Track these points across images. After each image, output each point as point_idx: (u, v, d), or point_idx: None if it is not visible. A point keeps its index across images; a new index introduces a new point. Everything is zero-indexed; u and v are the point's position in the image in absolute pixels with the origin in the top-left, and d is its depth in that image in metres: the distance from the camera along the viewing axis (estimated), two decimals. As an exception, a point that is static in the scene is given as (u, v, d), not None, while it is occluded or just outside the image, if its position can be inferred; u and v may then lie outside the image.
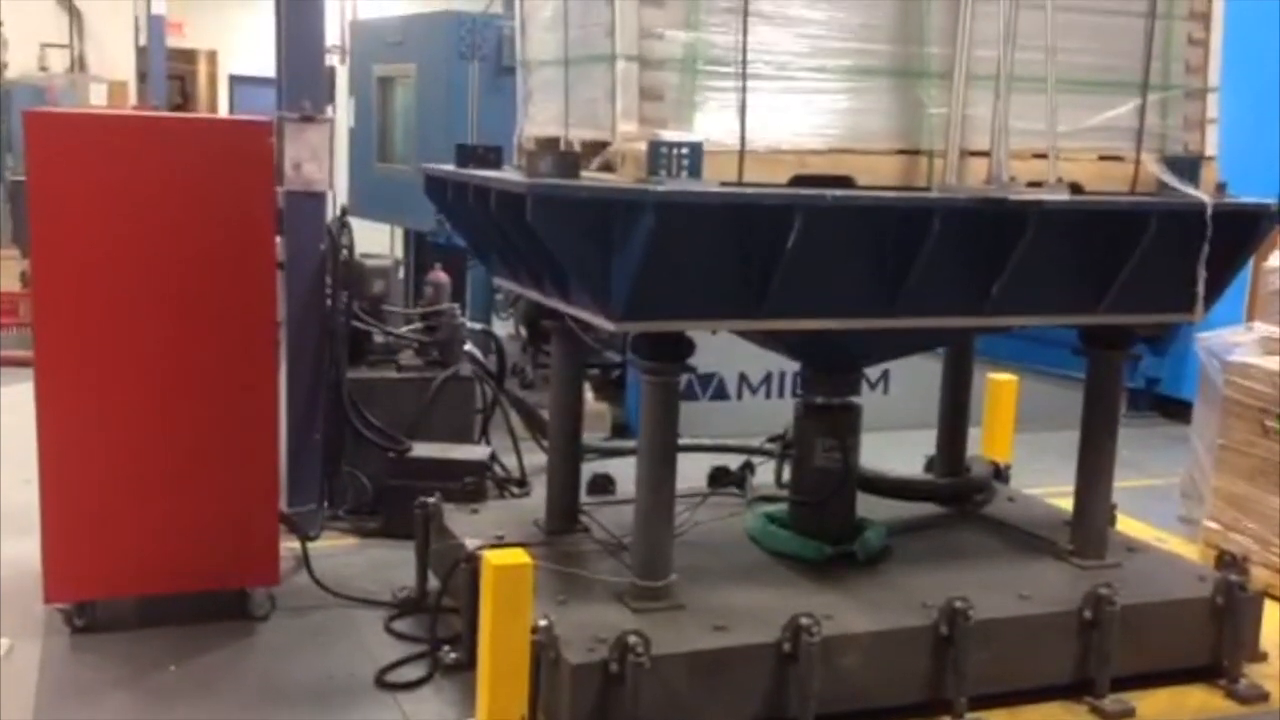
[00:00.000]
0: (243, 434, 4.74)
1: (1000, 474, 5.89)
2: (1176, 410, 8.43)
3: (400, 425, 6.05)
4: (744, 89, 3.93)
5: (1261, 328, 5.93)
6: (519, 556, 3.74)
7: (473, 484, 5.69)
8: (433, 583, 4.88)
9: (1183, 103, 4.53)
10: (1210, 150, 4.57)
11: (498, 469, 6.40)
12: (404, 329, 6.71)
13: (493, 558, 3.72)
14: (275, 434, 4.91)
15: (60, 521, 4.58)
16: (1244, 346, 5.88)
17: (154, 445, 4.64)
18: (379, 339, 6.50)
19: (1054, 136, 4.18)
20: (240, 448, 4.74)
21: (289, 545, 5.18)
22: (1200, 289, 4.38)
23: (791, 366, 5.83)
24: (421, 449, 6.01)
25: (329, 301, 5.77)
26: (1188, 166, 4.44)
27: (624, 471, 4.99)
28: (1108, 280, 4.41)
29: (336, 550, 5.67)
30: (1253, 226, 4.58)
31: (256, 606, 4.89)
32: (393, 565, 5.40)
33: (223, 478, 4.72)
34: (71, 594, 4.69)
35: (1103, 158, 4.45)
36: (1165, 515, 6.30)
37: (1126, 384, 7.04)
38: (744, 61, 3.92)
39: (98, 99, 13.90)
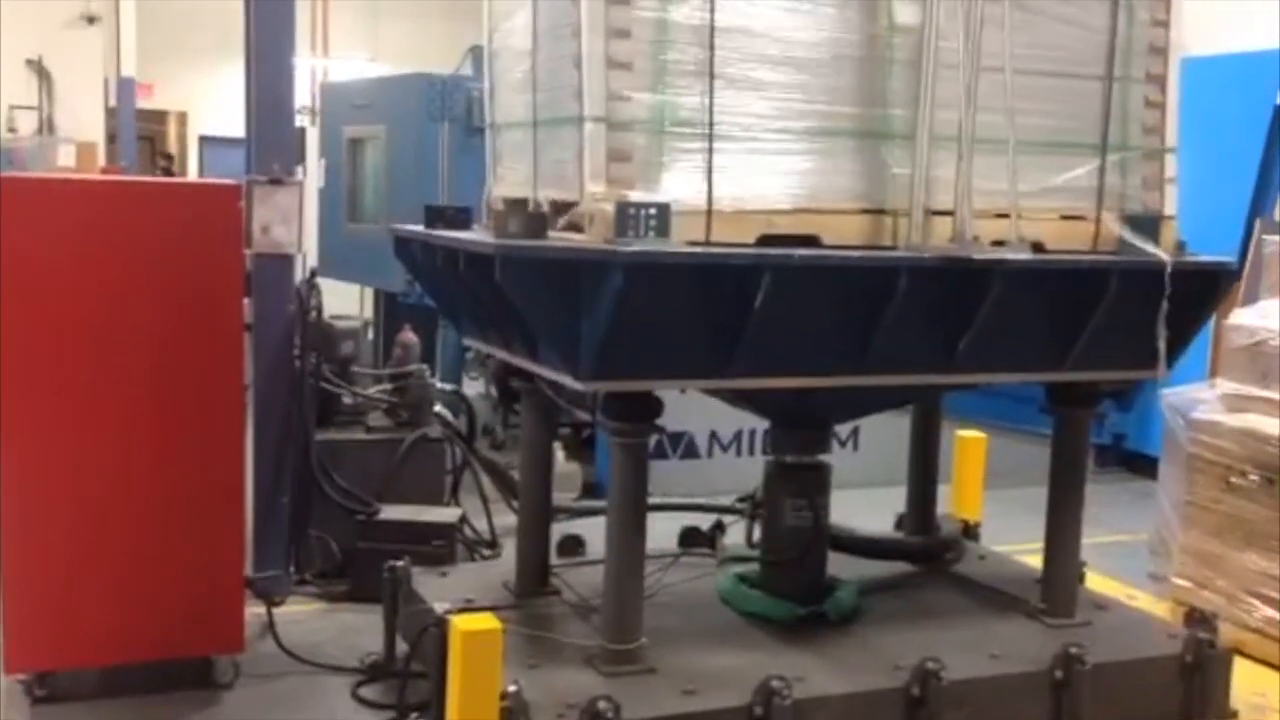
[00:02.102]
0: (208, 498, 4.69)
1: (970, 531, 5.89)
2: (1143, 466, 8.48)
3: (369, 488, 6.00)
4: (710, 150, 3.97)
5: (1225, 384, 5.98)
6: (488, 621, 3.71)
7: (442, 547, 5.63)
8: (401, 648, 4.81)
9: (1141, 163, 4.60)
10: (1170, 209, 4.63)
11: (468, 531, 6.34)
12: (373, 390, 6.68)
13: (461, 623, 3.68)
14: (241, 498, 4.86)
15: (21, 590, 4.50)
16: (1208, 403, 5.92)
17: (117, 511, 4.59)
18: (347, 400, 6.47)
19: (1015, 196, 4.25)
20: (206, 512, 4.69)
21: (255, 610, 5.11)
22: (1161, 346, 4.43)
23: (762, 424, 5.83)
24: (390, 512, 5.95)
25: (297, 363, 5.74)
26: (1148, 225, 4.51)
27: (595, 531, 4.96)
28: (1072, 338, 4.45)
29: (303, 615, 5.60)
30: (1213, 285, 4.64)
31: (221, 674, 4.81)
32: (361, 630, 5.33)
33: (188, 543, 4.66)
34: (32, 664, 4.60)
35: (1064, 217, 4.50)
36: (1134, 571, 6.32)
37: (1093, 440, 7.07)
38: (710, 123, 3.96)
39: (66, 161, 13.87)
